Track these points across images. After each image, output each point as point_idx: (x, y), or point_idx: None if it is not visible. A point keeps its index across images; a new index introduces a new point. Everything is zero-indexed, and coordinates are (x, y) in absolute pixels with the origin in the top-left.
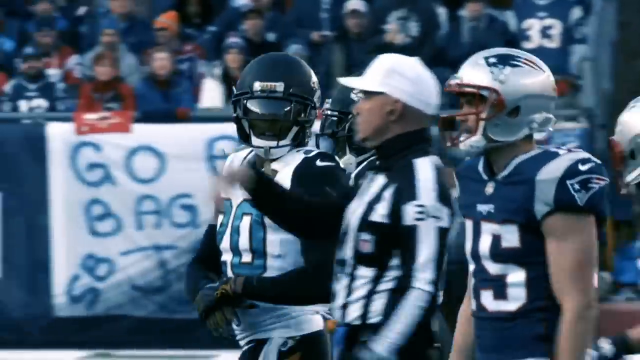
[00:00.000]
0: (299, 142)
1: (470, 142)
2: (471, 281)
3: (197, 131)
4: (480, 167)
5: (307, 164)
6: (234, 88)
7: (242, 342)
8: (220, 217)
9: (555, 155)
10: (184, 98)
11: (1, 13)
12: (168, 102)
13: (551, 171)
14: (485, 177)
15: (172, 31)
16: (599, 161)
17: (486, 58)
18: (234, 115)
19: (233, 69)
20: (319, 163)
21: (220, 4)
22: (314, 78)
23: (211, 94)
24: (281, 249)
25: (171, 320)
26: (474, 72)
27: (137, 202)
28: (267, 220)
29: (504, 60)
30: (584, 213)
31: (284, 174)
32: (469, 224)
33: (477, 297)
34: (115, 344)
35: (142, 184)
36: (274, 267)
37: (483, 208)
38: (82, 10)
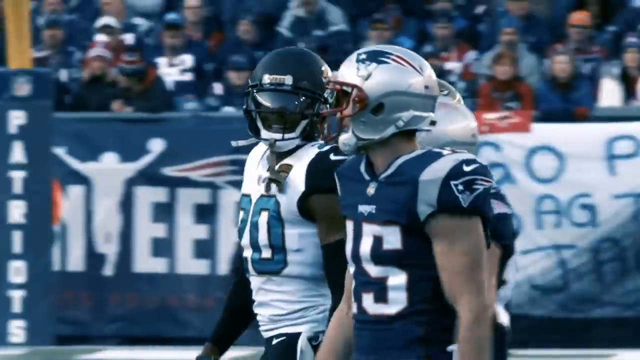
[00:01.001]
0: (307, 135)
1: (341, 140)
2: (352, 283)
3: (597, 130)
4: (362, 167)
5: (321, 158)
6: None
7: (267, 334)
8: (241, 214)
9: (439, 155)
10: (584, 99)
11: (400, 12)
12: (566, 102)
13: (435, 171)
14: (367, 177)
15: (586, 30)
16: (484, 162)
17: (359, 54)
18: (244, 107)
19: (632, 69)
20: (332, 157)
21: (620, 4)
22: (328, 72)
23: (610, 94)
24: (300, 243)
25: (570, 320)
26: (344, 69)
27: (536, 201)
28: (284, 215)
29: (373, 57)
30: (469, 214)
31: (298, 168)
32: (349, 225)
33: (358, 300)
34: (515, 343)
35: (541, 184)
36: (294, 262)
37: (364, 209)
38: (480, 9)
